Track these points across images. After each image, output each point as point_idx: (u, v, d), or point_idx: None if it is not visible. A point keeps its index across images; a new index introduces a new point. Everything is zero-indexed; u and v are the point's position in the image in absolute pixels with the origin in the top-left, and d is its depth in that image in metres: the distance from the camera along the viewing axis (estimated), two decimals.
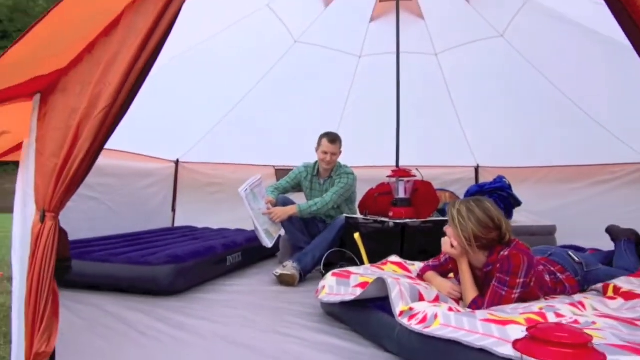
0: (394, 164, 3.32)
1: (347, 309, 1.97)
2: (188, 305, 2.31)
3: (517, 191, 3.62)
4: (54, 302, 1.26)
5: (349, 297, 1.93)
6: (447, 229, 1.92)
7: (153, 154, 4.37)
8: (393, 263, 2.38)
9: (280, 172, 4.55)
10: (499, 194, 3.53)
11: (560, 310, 1.59)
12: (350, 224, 3.09)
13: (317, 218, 3.32)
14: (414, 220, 2.95)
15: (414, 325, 1.55)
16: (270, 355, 1.67)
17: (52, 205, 1.23)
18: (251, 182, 2.94)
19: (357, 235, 2.84)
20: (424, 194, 3.15)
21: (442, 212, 3.44)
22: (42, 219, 1.23)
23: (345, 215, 3.20)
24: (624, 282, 2.02)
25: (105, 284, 2.51)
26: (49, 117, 1.26)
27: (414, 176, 3.12)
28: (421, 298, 1.77)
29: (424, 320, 1.54)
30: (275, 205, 3.14)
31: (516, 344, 1.11)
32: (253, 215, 2.88)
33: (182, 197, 4.76)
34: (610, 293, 1.93)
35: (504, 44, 3.95)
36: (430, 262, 2.16)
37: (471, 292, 1.84)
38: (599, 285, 2.04)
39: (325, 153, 3.28)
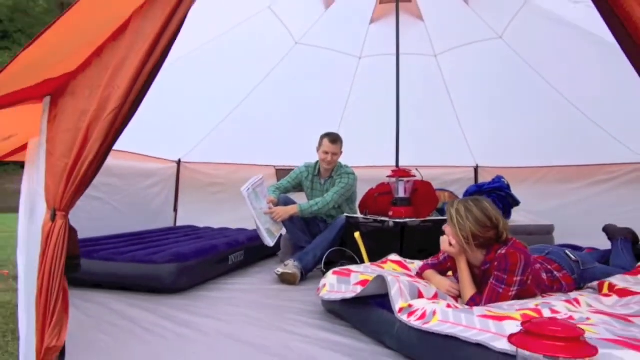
0: (394, 164, 3.37)
1: (348, 306, 2.01)
2: (192, 303, 2.35)
3: (515, 191, 3.66)
4: (64, 298, 1.30)
5: (349, 295, 1.97)
6: (446, 227, 1.96)
7: (155, 154, 4.41)
8: (393, 262, 2.42)
9: (281, 172, 4.58)
10: (497, 193, 3.57)
11: (555, 306, 1.63)
12: (350, 223, 3.13)
13: (318, 217, 3.36)
14: (413, 220, 2.99)
15: (413, 321, 1.59)
16: (273, 352, 1.70)
17: (62, 204, 1.27)
18: (253, 181, 2.97)
19: (357, 235, 2.88)
20: (423, 194, 3.19)
21: (442, 212, 3.48)
22: (53, 217, 1.27)
23: (345, 214, 3.24)
24: (619, 280, 2.06)
25: (110, 282, 2.55)
26: (59, 120, 1.30)
27: (414, 176, 3.16)
28: (420, 295, 1.81)
29: (423, 316, 1.58)
30: (276, 204, 3.17)
31: (511, 338, 1.15)
32: (255, 215, 2.92)
33: (183, 197, 4.80)
34: (605, 290, 1.97)
35: (502, 45, 3.99)
36: (430, 260, 2.20)
37: (469, 290, 1.88)
38: (595, 283, 2.08)
39: (327, 153, 3.31)
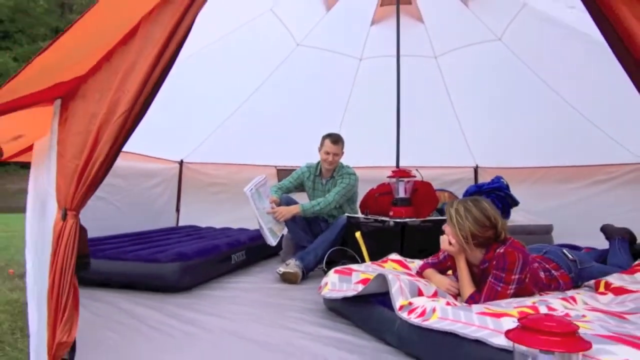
0: (394, 164, 3.40)
1: (349, 304, 2.04)
2: (196, 302, 2.39)
3: (515, 191, 3.69)
4: (74, 295, 1.34)
5: (351, 293, 2.01)
6: (446, 227, 2.00)
7: (158, 155, 4.45)
8: (393, 261, 2.46)
9: (282, 172, 4.62)
10: (496, 193, 3.61)
11: (552, 304, 1.67)
12: (351, 223, 3.16)
13: (320, 217, 3.40)
14: (413, 220, 3.02)
15: (413, 318, 1.63)
16: (276, 348, 1.74)
17: (73, 204, 1.31)
18: (256, 181, 3.01)
19: (358, 234, 2.91)
20: (423, 194, 3.23)
21: (441, 212, 3.51)
22: (64, 217, 1.31)
23: (346, 214, 3.28)
24: (615, 279, 2.10)
25: (114, 280, 2.59)
26: (70, 123, 1.34)
27: (414, 176, 3.19)
28: (420, 293, 1.85)
29: (422, 314, 1.62)
30: (278, 204, 3.22)
31: (508, 333, 1.19)
32: (258, 214, 2.96)
33: (185, 197, 4.84)
34: (601, 289, 2.01)
35: (501, 47, 4.02)
36: (430, 259, 2.23)
37: (468, 288, 1.92)
38: (592, 282, 2.12)
39: (328, 153, 3.35)
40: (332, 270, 2.29)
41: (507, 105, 4.34)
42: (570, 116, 4.07)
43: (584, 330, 1.26)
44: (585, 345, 1.11)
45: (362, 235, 2.91)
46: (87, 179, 1.29)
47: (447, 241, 1.98)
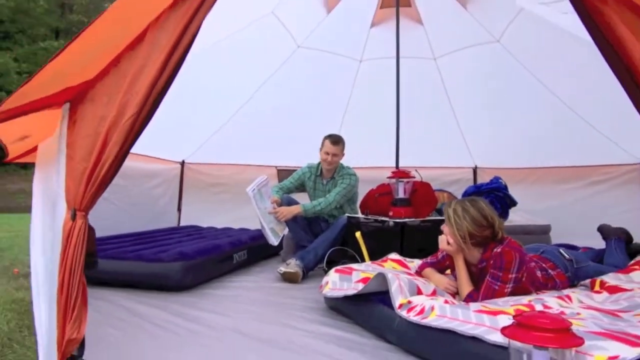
0: (394, 165, 3.44)
1: (350, 302, 2.09)
2: (198, 301, 2.43)
3: (513, 191, 3.72)
4: (83, 293, 1.38)
5: (351, 292, 2.05)
6: (444, 227, 2.04)
7: (160, 155, 4.48)
8: (393, 260, 2.50)
9: (283, 173, 4.66)
10: (495, 194, 3.64)
11: (548, 302, 1.71)
12: (351, 223, 3.20)
13: (320, 217, 3.44)
14: (413, 220, 3.06)
15: (412, 316, 1.67)
16: (279, 345, 1.79)
17: (82, 205, 1.35)
18: (258, 182, 3.05)
19: (358, 234, 2.95)
20: (422, 195, 3.27)
21: (440, 212, 3.55)
22: (73, 217, 1.35)
23: (347, 214, 3.31)
24: (611, 278, 2.14)
25: (118, 279, 2.62)
26: (79, 126, 1.38)
27: (413, 177, 3.23)
28: (419, 292, 1.89)
29: (421, 312, 1.66)
30: (279, 204, 3.26)
31: (504, 330, 1.23)
32: (260, 214, 3.00)
33: (187, 197, 4.88)
34: (597, 287, 2.05)
35: (500, 48, 4.06)
36: (429, 259, 2.28)
37: (466, 287, 1.96)
38: (587, 281, 2.16)
39: (327, 154, 3.39)
40: (333, 269, 2.33)
41: (506, 106, 4.38)
42: (568, 117, 4.11)
43: (577, 327, 1.31)
44: (578, 341, 1.15)
45: (362, 235, 2.95)
46: (96, 180, 1.33)
47: (446, 241, 2.02)
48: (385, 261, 2.49)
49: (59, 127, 1.46)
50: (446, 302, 1.71)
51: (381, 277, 1.92)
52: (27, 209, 1.70)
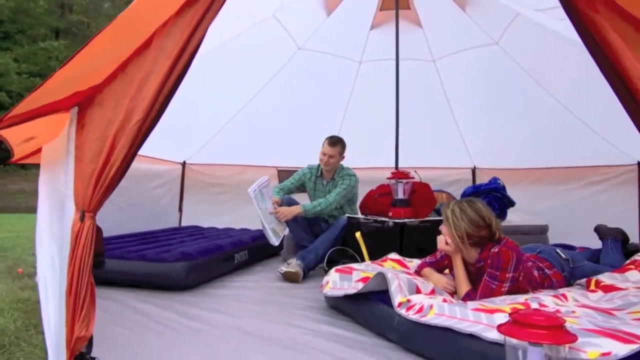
0: (394, 166, 3.47)
1: (350, 301, 2.12)
2: (201, 300, 2.47)
3: (511, 192, 3.76)
4: (91, 292, 1.42)
5: (351, 291, 2.09)
6: (442, 228, 2.08)
7: (161, 156, 4.51)
8: (392, 260, 2.54)
9: (283, 174, 4.69)
10: (493, 194, 3.68)
11: (544, 301, 1.76)
12: (351, 223, 3.24)
13: (320, 218, 3.47)
14: (412, 220, 3.10)
15: (411, 315, 1.71)
16: (281, 344, 1.82)
17: (90, 206, 1.39)
18: (260, 182, 3.09)
19: (358, 234, 2.99)
20: (421, 195, 3.31)
21: (439, 212, 3.58)
22: (82, 218, 1.39)
23: (347, 215, 3.35)
24: (606, 277, 2.18)
25: (121, 279, 2.66)
26: (87, 129, 1.42)
27: (413, 178, 3.27)
28: (418, 291, 1.93)
29: (420, 310, 1.70)
30: (280, 205, 3.29)
31: (500, 327, 1.27)
32: (261, 215, 3.04)
33: (188, 198, 4.91)
34: (592, 287, 2.10)
35: (498, 51, 4.10)
36: (427, 259, 2.32)
37: (464, 286, 2.00)
38: (583, 280, 2.20)
39: (324, 154, 3.43)
40: (333, 269, 2.37)
41: (504, 107, 4.41)
42: (566, 118, 4.14)
43: (571, 324, 1.35)
44: (572, 337, 1.19)
45: (362, 235, 2.99)
46: (104, 182, 1.37)
47: (444, 241, 2.06)
48: (385, 261, 2.53)
49: (66, 130, 1.50)
50: (445, 300, 1.75)
51: (381, 276, 1.96)
52: (28, 209, 1.73)
